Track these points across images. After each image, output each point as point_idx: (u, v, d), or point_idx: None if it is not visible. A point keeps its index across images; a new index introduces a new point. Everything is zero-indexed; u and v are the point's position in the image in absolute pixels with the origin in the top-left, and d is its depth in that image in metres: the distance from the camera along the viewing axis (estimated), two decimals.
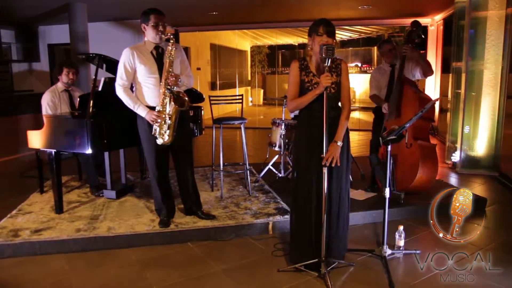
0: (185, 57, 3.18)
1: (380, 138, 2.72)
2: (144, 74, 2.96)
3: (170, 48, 2.88)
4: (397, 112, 3.58)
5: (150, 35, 2.96)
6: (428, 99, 3.53)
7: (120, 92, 2.97)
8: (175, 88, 2.91)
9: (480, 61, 4.85)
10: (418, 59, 3.67)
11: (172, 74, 2.88)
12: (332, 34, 2.41)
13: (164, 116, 2.91)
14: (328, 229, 2.49)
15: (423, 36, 3.62)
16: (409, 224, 3.28)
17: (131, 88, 3.07)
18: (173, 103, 2.88)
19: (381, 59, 4.01)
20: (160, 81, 2.93)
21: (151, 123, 2.94)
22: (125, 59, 2.95)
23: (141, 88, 3.01)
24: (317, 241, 2.47)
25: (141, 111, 2.95)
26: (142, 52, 2.97)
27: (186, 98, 2.91)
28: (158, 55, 2.98)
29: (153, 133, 2.96)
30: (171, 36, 2.90)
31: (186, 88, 3.16)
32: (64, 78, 3.96)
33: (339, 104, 2.55)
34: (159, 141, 2.97)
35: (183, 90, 3.05)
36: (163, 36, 2.92)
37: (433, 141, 4.05)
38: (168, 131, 2.94)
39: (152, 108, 2.95)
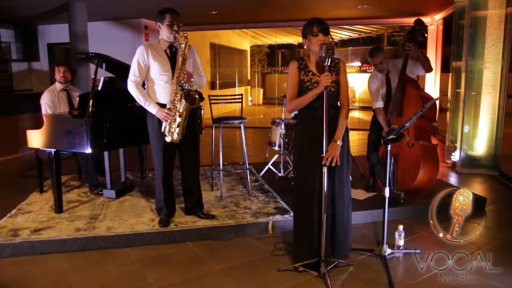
0: (197, 57, 3.20)
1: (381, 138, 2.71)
2: (157, 72, 2.98)
3: (183, 46, 2.91)
4: (399, 111, 3.57)
5: (164, 34, 2.99)
6: (430, 98, 3.52)
7: (132, 88, 2.98)
8: (187, 86, 2.92)
9: (480, 60, 4.85)
10: (420, 57, 3.66)
11: (185, 72, 2.90)
12: (327, 32, 2.40)
13: (174, 114, 2.92)
14: (331, 229, 2.49)
15: (425, 35, 3.61)
16: (409, 223, 3.28)
17: (143, 85, 3.08)
18: (183, 100, 2.90)
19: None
20: (173, 79, 2.95)
21: (162, 120, 2.95)
22: (139, 55, 2.97)
23: (153, 85, 3.03)
24: (319, 240, 2.47)
25: (152, 109, 2.96)
26: (156, 49, 3.00)
27: (197, 96, 2.94)
28: (172, 54, 3.02)
29: (162, 130, 2.97)
30: (185, 35, 2.92)
31: (198, 87, 3.18)
32: (57, 77, 4.00)
33: (338, 103, 2.55)
34: (168, 139, 2.97)
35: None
36: (177, 35, 2.96)
37: (433, 140, 4.04)
38: (177, 129, 2.95)
39: (163, 106, 2.96)
